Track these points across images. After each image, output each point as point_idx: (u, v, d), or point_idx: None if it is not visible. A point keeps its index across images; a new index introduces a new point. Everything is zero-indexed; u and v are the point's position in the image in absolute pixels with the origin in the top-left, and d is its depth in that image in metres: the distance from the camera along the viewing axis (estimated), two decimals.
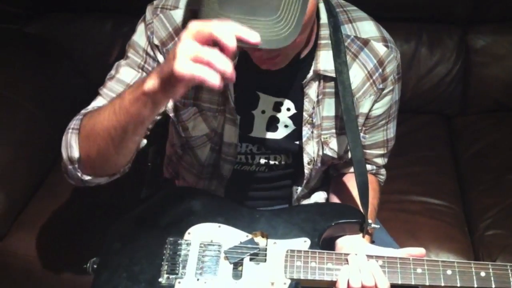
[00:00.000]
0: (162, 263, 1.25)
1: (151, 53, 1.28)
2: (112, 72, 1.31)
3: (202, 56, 0.90)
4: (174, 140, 1.45)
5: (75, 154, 1.19)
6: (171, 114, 1.34)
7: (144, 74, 1.28)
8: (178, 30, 1.26)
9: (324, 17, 1.27)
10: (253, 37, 0.91)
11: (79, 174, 1.22)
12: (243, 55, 1.22)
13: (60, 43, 2.30)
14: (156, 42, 1.27)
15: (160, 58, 1.27)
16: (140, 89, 1.01)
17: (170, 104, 1.33)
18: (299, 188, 1.45)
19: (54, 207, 1.90)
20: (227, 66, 0.89)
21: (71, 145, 1.20)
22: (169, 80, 0.95)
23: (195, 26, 0.92)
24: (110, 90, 1.28)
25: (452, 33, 2.29)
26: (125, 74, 1.29)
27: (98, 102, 1.28)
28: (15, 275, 1.85)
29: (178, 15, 1.26)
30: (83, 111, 1.26)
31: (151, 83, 0.99)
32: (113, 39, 2.29)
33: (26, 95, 2.04)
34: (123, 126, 1.09)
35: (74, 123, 1.22)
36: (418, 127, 2.27)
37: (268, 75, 1.22)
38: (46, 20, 2.35)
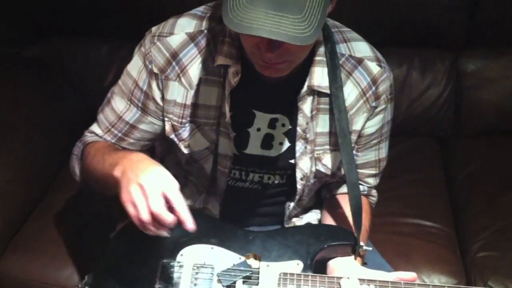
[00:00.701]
0: (156, 286, 1.26)
1: (140, 84, 1.33)
2: (109, 95, 1.41)
3: (145, 208, 1.10)
4: (178, 158, 1.46)
5: (77, 178, 1.43)
6: (171, 136, 1.37)
7: (132, 107, 1.36)
8: (175, 55, 1.30)
9: (319, 35, 1.29)
10: (189, 224, 1.12)
11: (82, 188, 1.45)
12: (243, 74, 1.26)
13: (57, 67, 2.32)
14: (155, 70, 1.31)
15: (154, 86, 1.32)
16: (111, 170, 1.19)
17: (168, 127, 1.36)
18: (292, 204, 1.47)
19: (48, 229, 1.90)
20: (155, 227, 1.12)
21: (74, 171, 1.43)
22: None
23: (168, 184, 1.12)
24: (105, 118, 1.39)
25: (444, 57, 2.32)
26: (117, 103, 1.38)
27: (95, 127, 1.42)
28: None
29: (174, 40, 1.30)
30: (87, 133, 1.43)
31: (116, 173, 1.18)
32: (110, 62, 2.31)
33: (24, 118, 2.06)
34: (103, 182, 1.26)
35: (77, 150, 1.41)
36: (411, 150, 2.29)
37: (264, 91, 1.26)
38: (44, 44, 2.37)
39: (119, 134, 1.38)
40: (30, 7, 2.30)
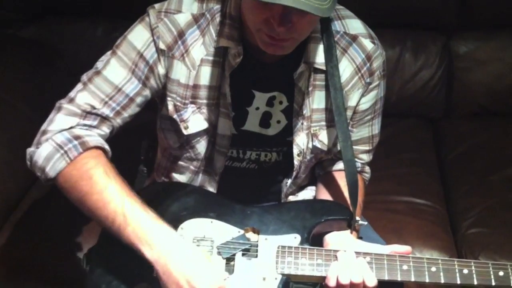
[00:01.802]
0: None
1: (147, 57, 1.30)
2: (99, 65, 1.33)
3: None
4: (169, 144, 1.47)
5: (51, 175, 1.25)
6: (174, 116, 1.37)
7: (134, 79, 1.30)
8: (182, 34, 1.30)
9: None
10: None
11: (42, 179, 1.28)
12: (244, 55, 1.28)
13: (53, 47, 2.33)
14: (162, 46, 1.30)
15: (161, 62, 1.31)
16: (139, 243, 1.17)
17: (170, 107, 1.36)
18: (289, 181, 1.48)
19: (47, 207, 1.92)
20: None
21: (54, 167, 1.24)
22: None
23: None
24: (98, 88, 1.30)
25: (436, 39, 2.36)
26: (114, 73, 1.31)
27: (89, 98, 1.30)
28: (7, 273, 1.85)
29: (181, 19, 1.30)
30: (77, 108, 1.29)
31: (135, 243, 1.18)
32: (105, 43, 2.25)
33: (20, 97, 2.07)
34: (105, 224, 1.22)
35: (67, 143, 1.24)
36: (403, 130, 2.33)
37: (263, 71, 1.28)
38: (40, 24, 2.38)
39: (118, 108, 1.31)
40: None
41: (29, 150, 1.29)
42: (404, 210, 1.98)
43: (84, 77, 1.33)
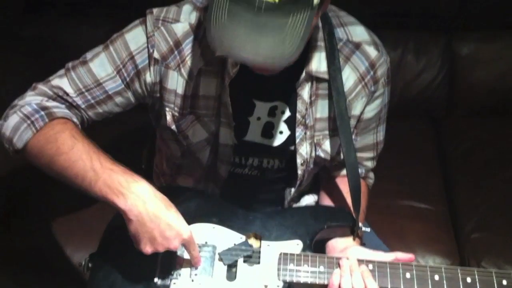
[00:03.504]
0: (157, 263, 1.27)
1: (137, 61, 1.28)
2: (88, 56, 1.31)
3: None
4: (171, 153, 1.46)
5: (19, 146, 1.23)
6: (172, 126, 1.36)
7: (118, 78, 1.29)
8: (178, 44, 1.28)
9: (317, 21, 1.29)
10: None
11: (11, 151, 1.26)
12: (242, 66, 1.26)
13: (55, 46, 2.31)
14: (156, 56, 1.28)
15: (151, 70, 1.29)
16: (110, 194, 1.15)
17: (168, 117, 1.35)
18: (292, 190, 1.48)
19: (49, 207, 1.92)
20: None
21: (21, 137, 1.22)
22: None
23: (189, 237, 1.20)
24: (78, 77, 1.29)
25: (438, 40, 2.35)
26: (100, 67, 1.29)
27: (64, 83, 1.29)
28: (11, 265, 1.86)
29: (179, 28, 1.28)
30: (49, 89, 1.28)
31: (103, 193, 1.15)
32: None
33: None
34: (76, 184, 1.19)
35: (34, 113, 1.22)
36: (405, 131, 2.32)
37: (263, 80, 1.25)
38: (41, 24, 2.37)
39: (92, 101, 1.30)
40: None
41: None
42: (406, 213, 1.97)
43: (69, 64, 1.32)
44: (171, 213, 1.18)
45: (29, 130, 1.21)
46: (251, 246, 1.30)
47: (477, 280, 1.22)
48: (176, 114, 1.34)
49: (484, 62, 2.36)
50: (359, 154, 1.47)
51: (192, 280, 1.26)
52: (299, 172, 1.42)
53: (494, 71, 2.36)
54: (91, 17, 2.37)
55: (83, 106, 1.30)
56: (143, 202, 1.15)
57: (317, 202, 1.56)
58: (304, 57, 1.29)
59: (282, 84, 1.32)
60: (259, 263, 1.28)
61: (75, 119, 1.27)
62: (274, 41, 1.02)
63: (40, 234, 1.84)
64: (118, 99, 1.32)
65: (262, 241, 1.31)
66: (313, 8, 1.04)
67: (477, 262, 1.82)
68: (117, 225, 1.35)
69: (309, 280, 1.24)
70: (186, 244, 1.22)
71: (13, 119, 1.23)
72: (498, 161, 2.16)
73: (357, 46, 1.34)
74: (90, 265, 1.32)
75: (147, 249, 1.18)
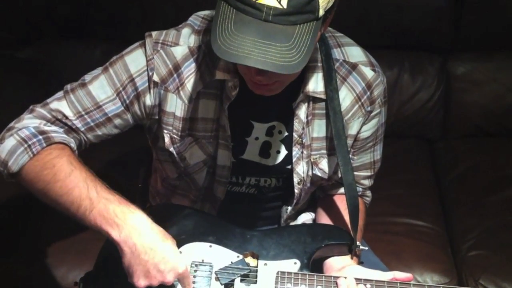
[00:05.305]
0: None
1: (138, 83, 1.28)
2: (86, 78, 1.31)
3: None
4: (167, 174, 1.45)
5: (14, 169, 1.21)
6: (171, 148, 1.35)
7: (118, 100, 1.28)
8: (177, 67, 1.29)
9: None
10: None
11: (5, 174, 1.23)
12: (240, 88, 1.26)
13: (51, 69, 2.33)
14: (156, 79, 1.28)
15: (151, 93, 1.29)
16: (106, 225, 1.15)
17: (167, 139, 1.35)
18: (289, 208, 1.47)
19: (43, 229, 1.91)
20: None
21: (16, 160, 1.20)
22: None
23: (184, 271, 1.19)
24: (77, 100, 1.28)
25: (433, 60, 2.37)
26: (99, 90, 1.28)
27: (63, 106, 1.28)
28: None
29: (178, 51, 1.29)
30: (47, 111, 1.27)
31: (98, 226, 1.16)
32: (102, 65, 2.32)
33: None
34: (71, 212, 1.19)
35: (32, 137, 1.21)
36: (401, 151, 2.33)
37: (261, 102, 1.25)
38: (37, 46, 2.38)
39: (92, 124, 1.29)
40: (24, 9, 2.31)
41: None
42: (403, 231, 1.97)
43: (68, 87, 1.31)
44: (167, 246, 1.17)
45: (26, 154, 1.20)
46: (248, 265, 1.30)
47: None
48: (175, 136, 1.34)
49: (479, 82, 2.37)
50: (356, 173, 1.46)
51: None
52: (296, 191, 1.42)
53: (489, 92, 2.37)
54: (87, 42, 2.39)
55: (82, 129, 1.29)
56: (138, 234, 1.15)
57: (314, 220, 1.55)
58: (302, 78, 1.30)
59: (279, 105, 1.33)
60: (256, 282, 1.27)
61: (72, 144, 1.26)
62: (282, 49, 1.03)
63: (35, 253, 1.83)
64: (117, 121, 1.31)
65: (259, 260, 1.30)
66: (318, 19, 1.07)
67: (474, 280, 1.81)
68: (111, 243, 1.33)
69: None
70: (180, 279, 1.21)
71: (10, 142, 1.22)
72: (493, 182, 2.17)
73: (354, 66, 1.35)
74: (81, 285, 1.31)
75: (140, 282, 1.16)
